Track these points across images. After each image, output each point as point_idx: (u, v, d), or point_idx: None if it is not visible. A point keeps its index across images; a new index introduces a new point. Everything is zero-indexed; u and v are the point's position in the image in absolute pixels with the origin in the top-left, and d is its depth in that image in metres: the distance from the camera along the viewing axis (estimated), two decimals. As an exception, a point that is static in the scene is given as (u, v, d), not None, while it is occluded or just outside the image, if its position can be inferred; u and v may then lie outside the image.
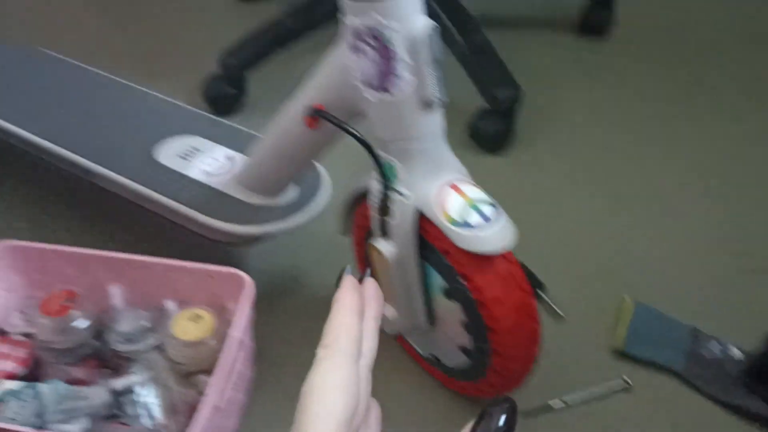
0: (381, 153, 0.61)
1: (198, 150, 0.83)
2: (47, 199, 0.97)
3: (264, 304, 0.74)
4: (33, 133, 0.85)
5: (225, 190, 0.78)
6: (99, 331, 0.73)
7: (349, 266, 0.38)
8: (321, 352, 0.33)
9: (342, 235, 0.77)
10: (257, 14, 1.37)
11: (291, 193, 0.78)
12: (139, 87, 0.93)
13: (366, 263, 0.73)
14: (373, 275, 0.39)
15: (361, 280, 0.39)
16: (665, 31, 1.34)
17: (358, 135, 0.60)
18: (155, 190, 0.77)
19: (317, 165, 0.81)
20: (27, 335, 0.74)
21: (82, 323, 0.71)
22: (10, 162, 1.03)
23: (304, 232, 0.80)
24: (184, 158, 0.81)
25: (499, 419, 0.33)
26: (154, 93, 0.92)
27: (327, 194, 0.79)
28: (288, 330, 0.80)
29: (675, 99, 1.18)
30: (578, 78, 1.23)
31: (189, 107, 0.90)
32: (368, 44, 0.56)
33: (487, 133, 1.02)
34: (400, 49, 0.55)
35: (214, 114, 0.94)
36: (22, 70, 0.96)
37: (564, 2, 1.32)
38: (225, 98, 1.11)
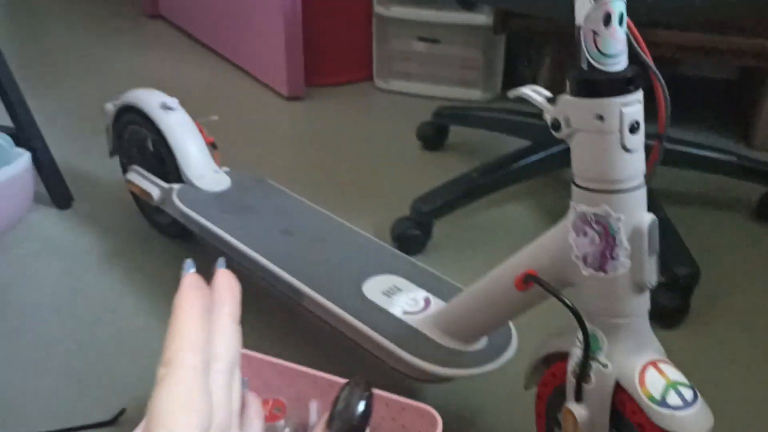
0: (587, 323, 0.67)
1: (399, 289, 0.92)
2: (260, 312, 1.10)
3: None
4: (259, 253, 0.98)
5: (421, 329, 0.86)
6: (295, 442, 0.80)
7: (190, 261, 0.34)
8: (161, 371, 0.30)
9: (525, 388, 0.82)
10: (439, 161, 1.52)
11: (481, 341, 0.85)
12: (350, 225, 1.06)
13: (549, 421, 0.77)
14: None
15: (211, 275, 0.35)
16: None
17: (570, 304, 0.67)
18: (361, 321, 0.87)
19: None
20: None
21: (286, 432, 0.79)
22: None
23: (482, 376, 0.85)
24: (387, 295, 0.91)
25: (358, 405, 0.30)
26: (363, 232, 1.04)
27: (514, 348, 0.85)
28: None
29: None
30: (754, 260, 1.24)
31: (393, 249, 1.01)
32: (593, 228, 0.64)
33: (664, 307, 1.05)
34: (623, 237, 0.62)
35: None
36: (254, 196, 1.12)
37: (743, 186, 1.35)
38: (411, 239, 1.22)
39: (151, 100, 1.16)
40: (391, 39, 1.80)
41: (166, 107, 1.15)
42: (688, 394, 0.64)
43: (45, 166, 1.32)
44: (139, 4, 2.32)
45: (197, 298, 0.32)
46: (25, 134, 1.29)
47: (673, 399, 0.63)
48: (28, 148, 1.30)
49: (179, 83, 1.87)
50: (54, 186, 1.34)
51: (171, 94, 1.17)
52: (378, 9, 1.76)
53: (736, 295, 1.16)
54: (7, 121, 1.30)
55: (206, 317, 0.32)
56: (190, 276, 0.33)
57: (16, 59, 1.89)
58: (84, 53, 2.06)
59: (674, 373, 0.65)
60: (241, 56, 1.93)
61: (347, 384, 0.31)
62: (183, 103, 1.17)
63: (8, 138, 1.28)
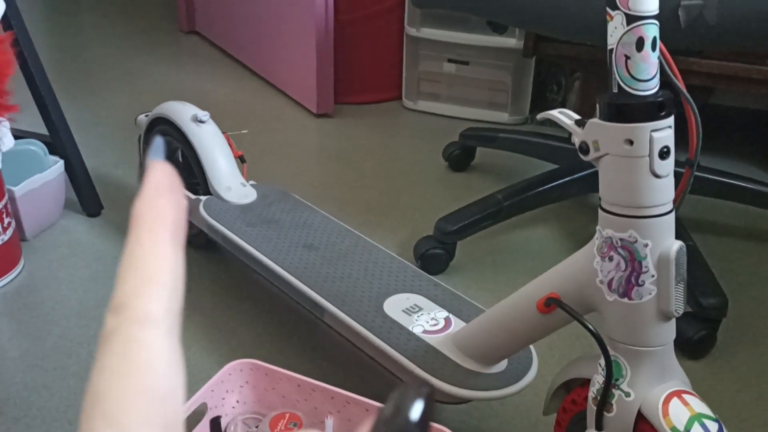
0: (610, 350, 0.66)
1: (420, 308, 0.92)
2: (280, 325, 1.10)
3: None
4: (281, 267, 0.99)
5: (441, 349, 0.85)
6: (310, 457, 0.80)
7: (159, 138, 0.22)
8: (109, 321, 0.20)
9: (544, 414, 0.81)
10: (465, 182, 1.51)
11: (500, 364, 0.84)
12: (373, 242, 1.06)
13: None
14: None
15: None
16: None
17: (593, 329, 0.66)
18: (380, 338, 0.86)
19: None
20: (247, 446, 0.83)
21: (301, 447, 0.79)
22: (255, 290, 1.19)
23: (501, 399, 0.84)
24: (407, 313, 0.91)
25: (412, 410, 0.22)
26: (386, 250, 1.04)
27: (535, 372, 0.83)
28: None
29: None
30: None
31: (416, 268, 1.00)
32: (618, 253, 0.63)
33: (689, 337, 1.03)
34: (649, 264, 0.61)
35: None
36: (279, 209, 1.13)
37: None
38: (434, 258, 1.21)
39: (182, 112, 1.18)
40: (421, 60, 1.81)
41: (197, 120, 1.16)
42: (713, 427, 0.62)
43: (77, 174, 1.35)
44: (176, 19, 2.36)
45: (168, 208, 0.21)
46: (59, 142, 1.32)
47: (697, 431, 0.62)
48: (62, 156, 1.32)
49: (211, 97, 1.90)
50: (85, 194, 1.36)
51: (203, 108, 1.19)
52: (409, 30, 1.77)
53: (765, 328, 1.13)
54: (43, 129, 1.32)
55: (178, 239, 0.21)
56: (160, 167, 0.21)
57: (55, 70, 1.94)
58: (120, 66, 2.10)
59: (699, 405, 0.64)
60: (273, 73, 1.96)
61: (401, 385, 0.23)
62: (214, 117, 1.19)
63: (43, 145, 1.31)
